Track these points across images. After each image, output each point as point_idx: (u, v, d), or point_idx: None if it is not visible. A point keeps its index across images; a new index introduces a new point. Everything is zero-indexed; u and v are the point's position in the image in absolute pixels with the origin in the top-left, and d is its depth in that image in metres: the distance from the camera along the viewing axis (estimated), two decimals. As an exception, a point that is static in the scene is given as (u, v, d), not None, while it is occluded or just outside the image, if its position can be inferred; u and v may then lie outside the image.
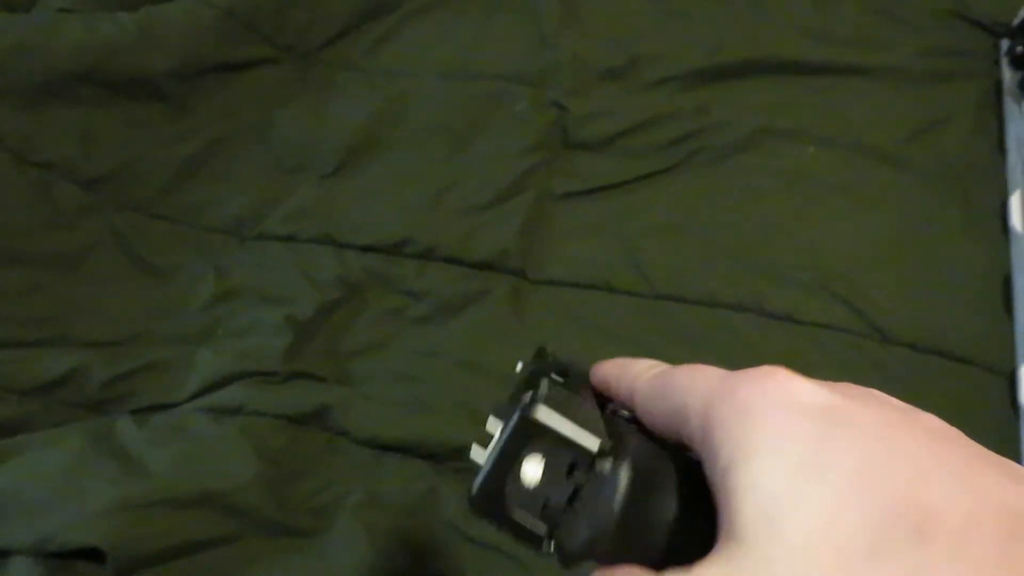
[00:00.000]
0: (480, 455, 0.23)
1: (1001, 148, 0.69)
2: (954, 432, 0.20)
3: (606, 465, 0.22)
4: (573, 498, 0.22)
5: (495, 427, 0.24)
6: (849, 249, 0.66)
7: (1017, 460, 0.57)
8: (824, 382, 0.21)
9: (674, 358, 0.65)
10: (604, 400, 0.27)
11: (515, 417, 0.23)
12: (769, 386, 0.20)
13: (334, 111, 0.76)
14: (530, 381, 0.26)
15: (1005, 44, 0.72)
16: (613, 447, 0.22)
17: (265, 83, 0.76)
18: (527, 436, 0.23)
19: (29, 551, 0.52)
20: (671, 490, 0.22)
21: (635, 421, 0.25)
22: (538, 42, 0.77)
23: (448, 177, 0.71)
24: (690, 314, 0.65)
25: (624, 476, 0.22)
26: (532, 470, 0.22)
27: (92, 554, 0.51)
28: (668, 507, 0.22)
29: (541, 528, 0.22)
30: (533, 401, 0.23)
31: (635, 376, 0.24)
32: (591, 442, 0.22)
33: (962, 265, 0.65)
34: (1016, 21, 0.71)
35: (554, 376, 0.27)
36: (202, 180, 0.73)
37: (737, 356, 0.63)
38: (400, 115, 0.75)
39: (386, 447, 0.59)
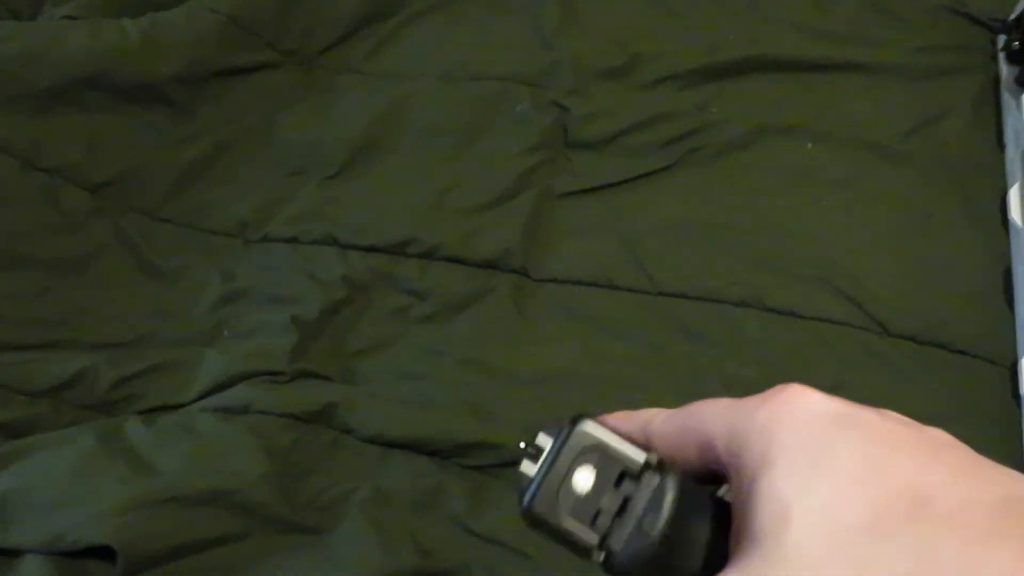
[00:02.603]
0: (531, 468, 0.25)
1: (1000, 142, 0.70)
2: (957, 442, 0.22)
3: (653, 479, 0.23)
4: (622, 510, 0.23)
5: (545, 442, 0.25)
6: (850, 243, 0.67)
7: (1019, 451, 0.58)
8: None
9: (676, 354, 0.66)
10: None
11: (567, 428, 0.24)
12: (784, 401, 0.22)
13: (337, 114, 0.76)
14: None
15: (1002, 39, 0.72)
16: (659, 462, 0.24)
17: (268, 87, 0.77)
18: (578, 447, 0.24)
19: (40, 550, 0.52)
20: (707, 511, 0.24)
21: None
22: (538, 43, 0.78)
23: (450, 177, 0.72)
24: (692, 310, 0.65)
25: (671, 490, 0.23)
26: (584, 479, 0.24)
27: (102, 552, 0.52)
28: (704, 526, 0.23)
29: (593, 538, 0.23)
30: (583, 415, 0.25)
31: (646, 420, 0.26)
32: (638, 455, 0.24)
33: (962, 258, 0.65)
34: (1012, 16, 0.71)
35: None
36: (207, 183, 0.74)
37: (740, 352, 0.64)
38: (402, 117, 0.75)
39: (392, 444, 0.60)
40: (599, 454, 0.24)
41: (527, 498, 0.24)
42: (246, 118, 0.76)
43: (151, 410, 0.63)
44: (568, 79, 0.75)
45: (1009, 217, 0.65)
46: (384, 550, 0.54)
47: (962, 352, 0.62)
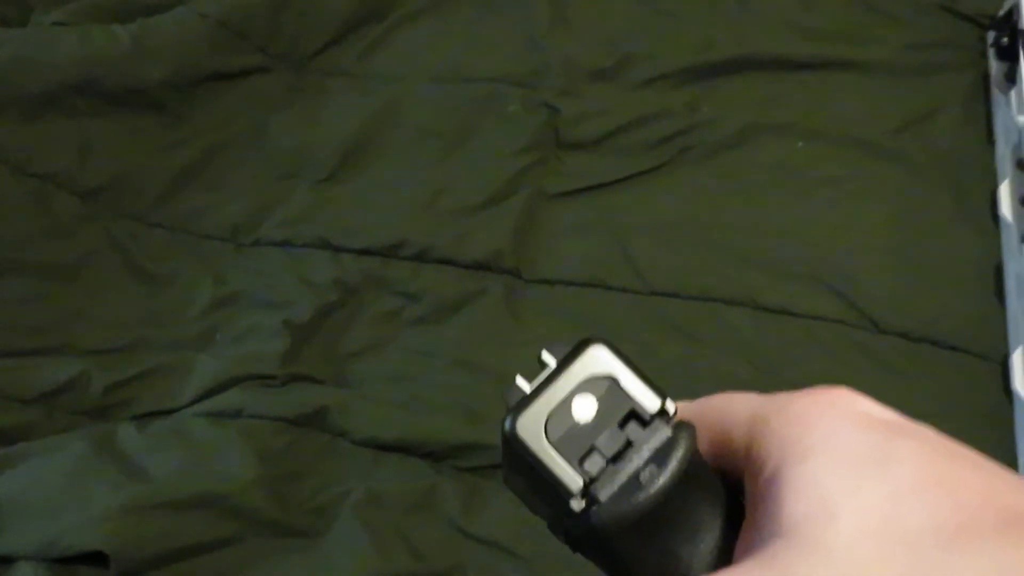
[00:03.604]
0: (526, 386, 0.20)
1: (990, 138, 0.70)
2: None
3: (665, 429, 0.19)
4: (618, 457, 0.19)
5: (550, 360, 0.20)
6: (841, 241, 0.67)
7: (1010, 447, 0.58)
8: None
9: (669, 353, 0.66)
10: None
11: (578, 348, 0.20)
12: (830, 398, 0.20)
13: (328, 117, 0.76)
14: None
15: (991, 36, 0.72)
16: (675, 415, 0.20)
17: (259, 91, 0.77)
18: (585, 372, 0.20)
19: (33, 556, 0.52)
20: (717, 496, 0.20)
21: None
22: (528, 44, 0.78)
23: (442, 179, 0.72)
24: (685, 309, 0.65)
25: (683, 445, 0.19)
26: (583, 408, 0.20)
27: (95, 558, 0.52)
28: (710, 509, 0.20)
29: (576, 481, 0.19)
30: (600, 338, 0.21)
31: None
32: (654, 398, 0.20)
33: (953, 254, 0.66)
34: (1001, 12, 0.72)
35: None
36: (198, 188, 0.74)
37: (732, 350, 0.64)
38: (393, 119, 0.75)
39: (385, 447, 0.60)
40: (608, 385, 0.20)
41: (511, 416, 0.20)
42: (237, 122, 0.76)
43: (143, 415, 0.63)
44: (559, 79, 0.75)
45: (999, 213, 0.65)
46: (378, 553, 0.54)
47: (953, 348, 0.62)
